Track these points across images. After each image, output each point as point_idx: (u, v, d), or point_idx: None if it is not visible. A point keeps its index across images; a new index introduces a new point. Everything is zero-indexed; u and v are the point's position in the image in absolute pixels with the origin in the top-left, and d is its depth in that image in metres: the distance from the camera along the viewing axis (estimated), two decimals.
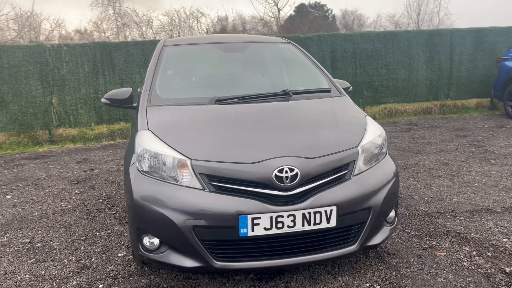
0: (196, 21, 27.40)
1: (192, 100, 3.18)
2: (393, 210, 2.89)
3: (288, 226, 2.45)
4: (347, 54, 9.87)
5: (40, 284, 2.87)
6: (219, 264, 2.46)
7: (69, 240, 3.59)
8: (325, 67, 9.59)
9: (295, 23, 28.85)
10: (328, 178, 2.57)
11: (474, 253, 3.01)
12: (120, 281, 2.85)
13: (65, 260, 3.21)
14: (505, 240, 3.20)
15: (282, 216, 2.43)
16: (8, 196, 4.97)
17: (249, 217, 2.40)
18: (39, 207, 4.52)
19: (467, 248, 3.09)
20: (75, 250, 3.39)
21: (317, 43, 9.68)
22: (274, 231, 2.44)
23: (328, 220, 2.50)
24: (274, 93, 3.30)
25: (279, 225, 2.43)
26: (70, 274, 2.99)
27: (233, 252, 2.48)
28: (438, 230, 3.45)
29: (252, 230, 2.41)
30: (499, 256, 2.95)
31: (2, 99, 8.55)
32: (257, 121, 2.93)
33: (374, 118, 9.62)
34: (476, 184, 4.60)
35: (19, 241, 3.63)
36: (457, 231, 3.40)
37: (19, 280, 2.94)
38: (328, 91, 3.47)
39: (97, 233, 3.69)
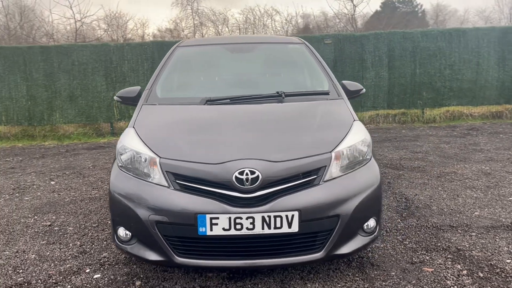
0: (270, 19, 27.68)
1: (185, 100, 3.29)
2: (372, 219, 2.77)
3: (247, 228, 2.46)
4: (405, 52, 9.43)
5: (40, 264, 3.16)
6: (180, 260, 2.54)
7: (83, 226, 3.90)
8: (381, 66, 9.30)
9: (381, 19, 27.87)
10: (294, 183, 2.54)
11: (465, 272, 2.79)
12: (106, 267, 3.05)
13: (71, 244, 3.50)
14: (508, 261, 2.92)
15: (240, 218, 2.45)
16: (52, 182, 5.48)
17: (208, 216, 2.45)
18: (72, 193, 4.94)
19: (459, 266, 2.87)
20: (83, 235, 3.68)
21: (373, 41, 9.35)
22: (233, 232, 2.47)
23: (289, 225, 2.48)
24: (266, 95, 3.30)
25: (238, 226, 2.46)
26: (69, 257, 3.25)
27: (194, 250, 2.55)
28: (439, 244, 3.23)
29: (211, 230, 2.46)
30: (491, 278, 2.71)
31: (72, 93, 9.37)
32: (237, 123, 2.97)
33: (433, 122, 9.11)
34: (510, 198, 4.21)
35: (42, 223, 4.01)
36: (459, 247, 3.16)
37: (25, 259, 3.26)
38: (326, 93, 3.40)
39: (109, 221, 3.95)
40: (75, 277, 2.95)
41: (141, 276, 2.90)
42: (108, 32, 26.69)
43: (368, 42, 9.38)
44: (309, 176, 2.58)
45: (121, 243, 2.72)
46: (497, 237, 3.33)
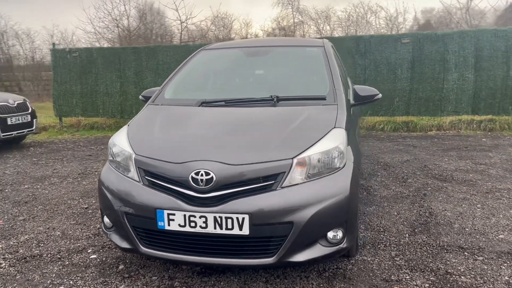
0: (374, 16, 26.72)
1: (184, 102, 3.50)
2: (339, 230, 2.70)
3: (201, 227, 2.59)
4: (496, 53, 8.52)
5: (59, 241, 3.64)
6: (144, 249, 2.76)
7: None
8: (466, 68, 8.56)
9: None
10: (249, 186, 2.59)
11: None
12: (104, 250, 3.41)
13: (91, 226, 3.94)
14: None
15: (194, 216, 2.58)
16: None
17: (165, 212, 2.63)
18: None
19: None
20: None
21: (457, 40, 8.62)
22: (188, 229, 2.61)
23: (240, 228, 2.54)
24: (259, 98, 3.36)
25: (192, 224, 2.59)
26: (83, 238, 3.68)
27: (156, 242, 2.75)
28: (431, 265, 2.99)
29: (169, 225, 2.64)
30: None
31: None
32: (214, 125, 3.08)
33: None
34: None
35: (80, 206, 4.55)
36: (449, 271, 2.90)
37: (51, 235, 3.77)
38: (322, 98, 3.34)
39: None
40: (76, 255, 3.34)
41: (127, 261, 3.19)
42: (215, 33, 28.18)
43: (451, 41, 8.66)
44: (267, 181, 2.61)
45: (105, 230, 3.03)
46: (504, 264, 2.98)
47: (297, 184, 2.63)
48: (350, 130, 3.28)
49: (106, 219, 3.01)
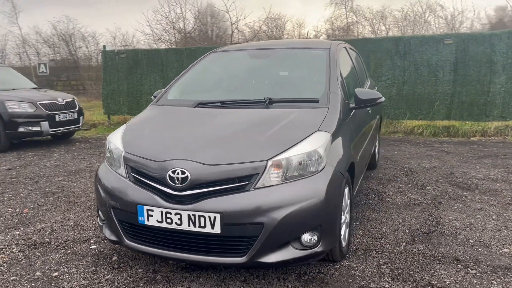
0: (433, 15, 25.67)
1: (183, 102, 3.62)
2: (312, 233, 2.69)
3: (176, 224, 2.69)
4: None
5: (70, 230, 3.90)
6: (127, 242, 2.91)
7: None
8: None
9: None
10: (223, 186, 2.65)
11: None
12: (104, 241, 3.61)
13: None
14: None
15: (170, 213, 2.69)
16: None
17: (145, 208, 2.76)
18: None
19: None
20: None
21: (506, 41, 8.12)
22: (164, 225, 2.73)
23: (212, 226, 2.62)
24: (253, 100, 3.41)
25: (168, 220, 2.70)
26: (91, 229, 3.92)
27: (138, 236, 2.89)
28: (416, 276, 2.89)
29: (148, 220, 2.77)
30: None
31: None
32: (202, 125, 3.17)
33: None
34: None
35: None
36: (433, 282, 2.79)
37: (65, 225, 4.05)
38: (315, 101, 3.32)
39: None
40: (79, 244, 3.57)
41: (121, 253, 3.37)
42: (267, 33, 28.37)
43: (499, 42, 8.16)
44: (241, 181, 2.66)
45: (100, 222, 3.22)
46: (497, 279, 2.82)
47: (272, 185, 2.66)
48: (345, 134, 3.25)
49: (100, 213, 3.19)
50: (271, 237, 2.60)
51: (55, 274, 3.06)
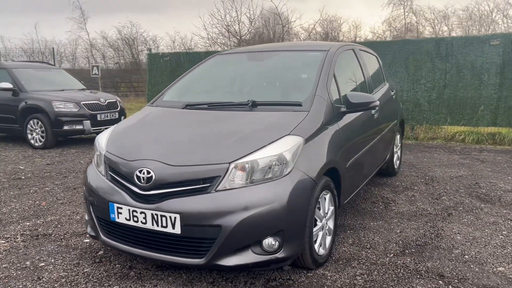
0: (501, 14, 24.08)
1: (173, 104, 3.68)
2: (274, 239, 2.65)
3: (142, 222, 2.76)
4: None
5: (74, 224, 4.11)
6: (103, 238, 3.03)
7: None
8: None
9: None
10: (185, 188, 2.68)
11: None
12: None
13: None
14: None
15: (136, 212, 2.77)
16: None
17: (115, 205, 2.86)
18: None
19: None
20: None
21: None
22: (132, 223, 2.81)
23: (173, 226, 2.66)
24: (237, 103, 3.40)
25: (135, 218, 2.78)
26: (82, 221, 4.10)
27: (111, 232, 2.99)
28: None
29: (118, 217, 2.86)
30: None
31: None
32: (179, 127, 3.23)
33: None
34: None
35: None
36: None
37: (72, 219, 4.27)
38: (298, 104, 3.26)
39: None
40: (75, 237, 3.76)
41: (107, 248, 3.49)
42: (322, 35, 28.06)
43: None
44: (204, 183, 2.67)
45: (86, 217, 3.36)
46: None
47: (233, 188, 2.65)
48: (327, 138, 3.16)
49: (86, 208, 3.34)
50: (229, 240, 2.59)
51: (42, 264, 3.24)
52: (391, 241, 3.52)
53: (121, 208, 2.83)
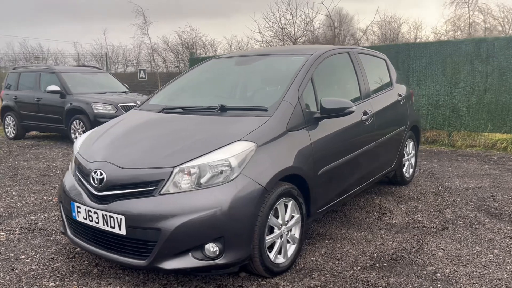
0: None
1: (154, 107, 3.77)
2: (214, 245, 2.64)
3: (95, 222, 2.88)
4: None
5: None
6: (69, 235, 3.18)
7: None
8: None
9: None
10: (133, 190, 2.76)
11: None
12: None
13: None
14: None
15: (91, 211, 2.89)
16: None
17: (75, 204, 3.00)
18: None
19: None
20: None
21: None
22: (88, 222, 2.93)
23: (119, 227, 2.75)
24: (208, 107, 3.42)
25: (90, 218, 2.90)
26: None
27: (75, 229, 3.13)
28: None
29: (78, 216, 3.00)
30: None
31: None
32: (142, 130, 3.32)
33: None
34: None
35: None
36: None
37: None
38: (264, 109, 3.21)
39: None
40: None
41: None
42: (379, 37, 27.23)
43: None
44: (148, 186, 2.72)
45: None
46: None
47: (176, 192, 2.68)
48: (290, 145, 3.09)
49: None
50: (168, 243, 2.62)
51: (23, 256, 3.46)
52: (365, 254, 3.36)
53: (79, 207, 2.96)
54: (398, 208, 4.45)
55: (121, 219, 2.72)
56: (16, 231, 4.06)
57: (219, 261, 2.66)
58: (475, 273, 3.00)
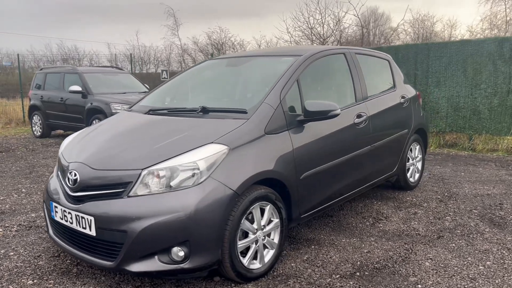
0: None
1: (141, 108, 3.79)
2: (180, 249, 2.62)
3: (70, 222, 2.91)
4: None
5: None
6: (50, 233, 3.24)
7: None
8: None
9: None
10: (103, 191, 2.77)
11: None
12: None
13: None
14: None
15: (66, 211, 2.92)
16: None
17: (53, 204, 3.05)
18: None
19: None
20: None
21: None
22: (64, 222, 2.97)
23: (90, 228, 2.77)
24: (190, 109, 3.41)
25: (65, 218, 2.95)
26: None
27: (55, 228, 3.17)
28: None
29: (56, 216, 3.05)
30: None
31: None
32: (122, 132, 3.33)
33: None
34: None
35: None
36: None
37: None
38: (243, 112, 3.16)
39: None
40: None
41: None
42: (411, 36, 26.56)
43: None
44: (120, 188, 2.73)
45: None
46: None
47: (144, 195, 2.68)
48: (267, 148, 3.03)
49: None
50: (135, 246, 2.62)
51: (12, 253, 3.55)
52: (348, 261, 3.25)
53: (57, 207, 3.01)
54: (395, 214, 4.30)
55: (91, 220, 2.73)
56: (14, 228, 4.17)
57: (185, 265, 2.63)
58: (459, 286, 2.84)
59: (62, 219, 2.97)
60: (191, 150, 2.77)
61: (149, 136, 3.11)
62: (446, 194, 4.96)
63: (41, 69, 12.15)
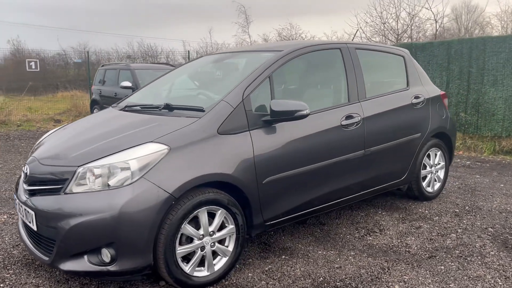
0: None
1: (121, 105, 3.76)
2: (107, 250, 2.54)
3: (22, 216, 2.97)
4: None
5: None
6: (19, 226, 3.31)
7: None
8: None
9: None
10: (45, 187, 2.79)
11: None
12: None
13: None
14: None
15: (21, 206, 2.97)
16: None
17: (17, 200, 3.12)
18: None
19: None
20: None
21: None
22: (20, 215, 3.03)
23: (32, 223, 2.79)
24: (156, 105, 3.33)
25: (20, 211, 3.00)
26: None
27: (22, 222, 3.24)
28: None
29: (16, 209, 3.12)
30: None
31: None
32: (90, 128, 3.30)
33: None
34: None
35: None
36: None
37: None
38: (200, 110, 3.01)
39: None
40: None
41: None
42: (499, 30, 24.35)
43: None
44: (59, 184, 2.71)
45: None
46: None
47: (79, 192, 2.64)
48: (218, 149, 2.86)
49: None
50: (64, 243, 2.59)
51: (3, 245, 3.71)
52: (310, 276, 2.96)
53: (16, 200, 3.08)
54: (394, 227, 3.87)
55: (33, 214, 2.75)
56: (15, 216, 4.38)
57: (111, 268, 2.55)
58: None
59: (19, 212, 3.03)
60: (127, 148, 2.68)
61: (103, 132, 3.07)
62: (467, 207, 4.39)
63: (102, 66, 12.85)
